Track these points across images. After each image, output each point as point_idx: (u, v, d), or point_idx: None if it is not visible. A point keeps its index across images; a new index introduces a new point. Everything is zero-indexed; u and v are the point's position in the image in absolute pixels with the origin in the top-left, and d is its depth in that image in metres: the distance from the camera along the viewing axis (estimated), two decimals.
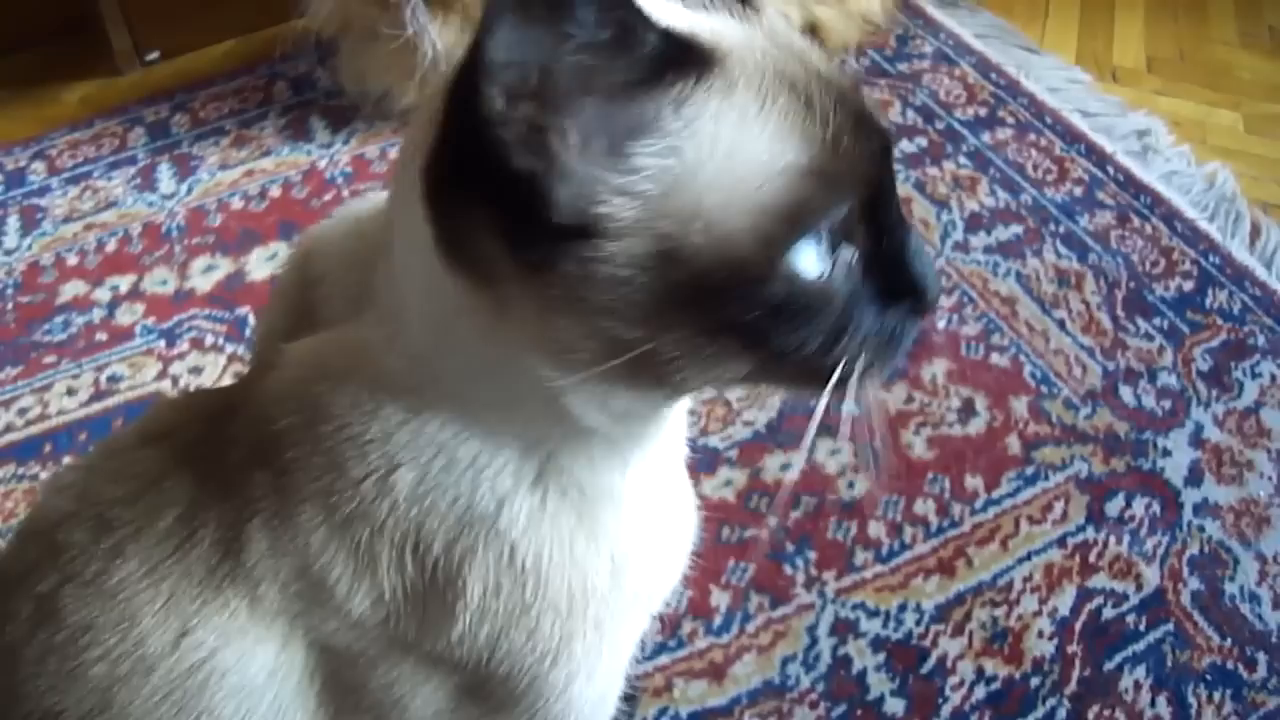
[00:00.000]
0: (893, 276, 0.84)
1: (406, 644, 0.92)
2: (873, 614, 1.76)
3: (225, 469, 0.92)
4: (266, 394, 0.92)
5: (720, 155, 0.75)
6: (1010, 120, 2.60)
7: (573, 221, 0.74)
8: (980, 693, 1.69)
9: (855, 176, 0.80)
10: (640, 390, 0.84)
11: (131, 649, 0.90)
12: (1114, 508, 1.90)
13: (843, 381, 0.83)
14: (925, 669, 1.71)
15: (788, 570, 1.80)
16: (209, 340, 2.14)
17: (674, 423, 1.03)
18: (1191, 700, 1.68)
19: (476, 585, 0.88)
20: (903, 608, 1.77)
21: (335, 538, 0.88)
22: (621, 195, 0.75)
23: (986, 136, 2.56)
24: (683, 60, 0.76)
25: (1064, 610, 1.77)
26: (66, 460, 1.94)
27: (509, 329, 0.81)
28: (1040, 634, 1.75)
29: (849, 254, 0.81)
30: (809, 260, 0.78)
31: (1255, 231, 2.38)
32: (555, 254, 0.75)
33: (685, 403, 1.03)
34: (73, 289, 2.25)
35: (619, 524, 0.95)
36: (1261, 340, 2.16)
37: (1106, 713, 1.67)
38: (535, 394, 0.84)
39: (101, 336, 2.16)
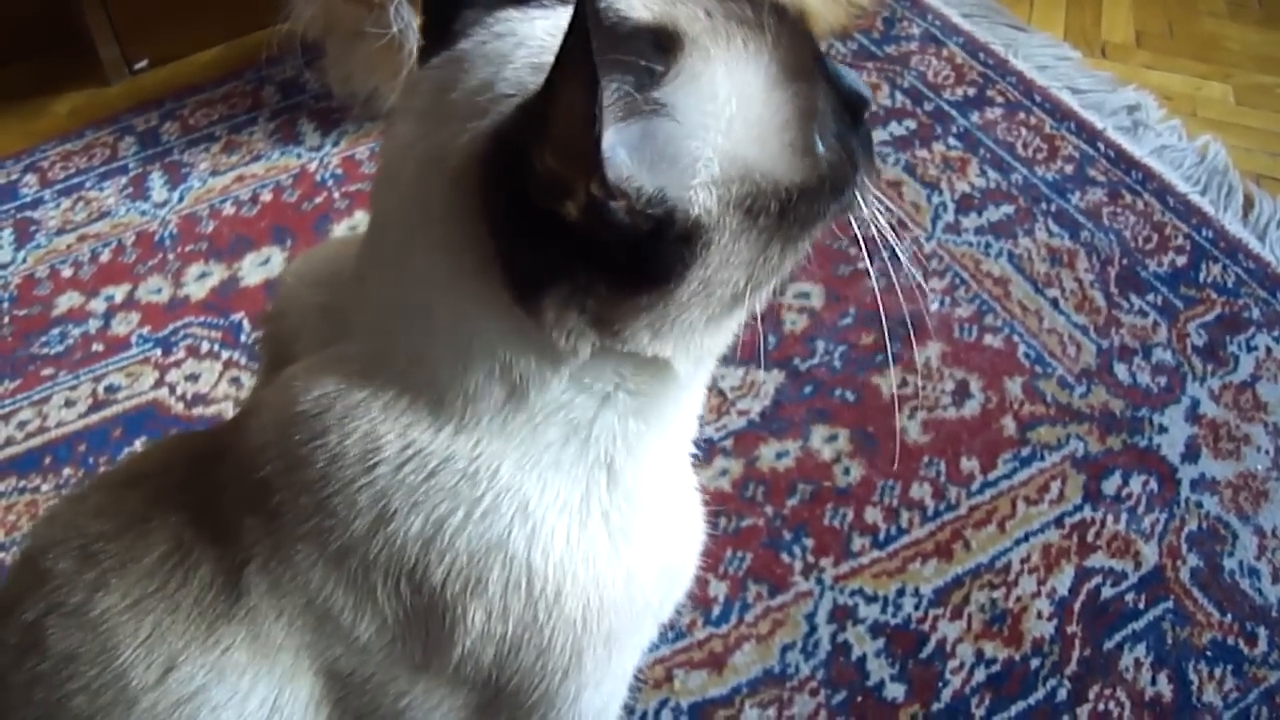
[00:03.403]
0: (842, 105, 0.91)
1: (415, 665, 0.93)
2: (871, 600, 1.77)
3: (215, 514, 0.93)
4: (247, 442, 0.92)
5: (735, 108, 0.81)
6: (999, 99, 2.60)
7: (681, 238, 0.80)
8: (980, 675, 1.69)
9: (804, 52, 0.88)
10: (729, 322, 0.91)
11: (112, 680, 0.91)
12: (1111, 486, 1.90)
13: (860, 199, 0.93)
14: (925, 653, 1.72)
15: (785, 558, 1.81)
16: (205, 347, 2.14)
17: (692, 417, 1.05)
18: (1193, 677, 1.69)
19: (479, 612, 0.89)
20: (901, 592, 1.78)
21: (333, 571, 0.89)
22: (702, 191, 0.80)
23: (976, 117, 2.55)
24: (661, 46, 0.80)
25: (1063, 590, 1.78)
26: (66, 472, 1.95)
27: (613, 358, 0.87)
28: (1039, 615, 1.75)
29: (824, 108, 0.88)
30: (820, 140, 0.87)
31: (1248, 204, 2.37)
32: (675, 274, 0.81)
33: (701, 396, 1.05)
34: (68, 300, 2.25)
35: (649, 531, 0.96)
36: (1256, 313, 2.15)
37: (1107, 692, 1.67)
38: (614, 402, 0.90)
39: (98, 347, 2.16)
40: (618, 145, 0.76)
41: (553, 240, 0.78)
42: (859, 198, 0.92)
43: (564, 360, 0.86)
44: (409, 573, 0.88)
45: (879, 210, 0.94)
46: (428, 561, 0.88)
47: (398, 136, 0.88)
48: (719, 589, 1.77)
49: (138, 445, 1.99)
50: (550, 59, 0.72)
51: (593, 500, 0.92)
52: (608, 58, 0.71)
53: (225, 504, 0.92)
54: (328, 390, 0.89)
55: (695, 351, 0.89)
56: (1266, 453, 1.95)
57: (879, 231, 0.95)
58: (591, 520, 0.92)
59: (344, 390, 0.89)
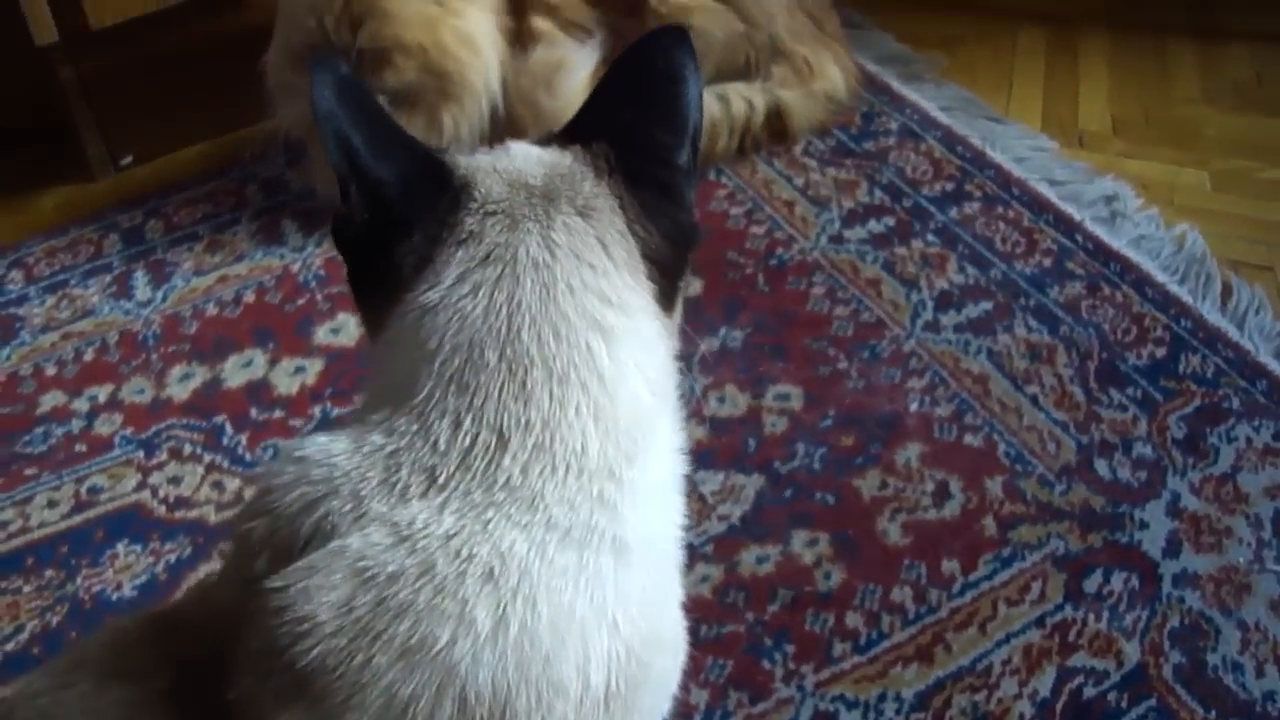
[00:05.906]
0: None
1: None
2: (852, 705, 1.76)
3: None
4: (273, 644, 0.86)
5: None
6: (978, 193, 2.62)
7: None
8: None
9: None
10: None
11: None
12: (1092, 584, 1.89)
13: None
14: None
15: (766, 665, 1.80)
16: (187, 450, 2.14)
17: None
18: None
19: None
20: (882, 698, 1.77)
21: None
22: None
23: (954, 212, 2.57)
24: None
25: (1044, 691, 1.77)
26: (49, 574, 1.95)
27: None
28: (1021, 717, 1.74)
29: None
30: None
31: (1226, 292, 2.38)
32: None
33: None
34: (52, 399, 2.26)
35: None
36: (1236, 403, 2.16)
37: None
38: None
39: (81, 447, 2.16)
40: None
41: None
42: None
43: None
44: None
45: None
46: (546, 652, 0.88)
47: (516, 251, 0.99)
48: (699, 697, 1.76)
49: (119, 548, 1.98)
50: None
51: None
52: None
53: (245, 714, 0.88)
54: (440, 538, 0.87)
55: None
56: (1248, 545, 1.94)
57: None
58: None
59: (470, 529, 0.88)
